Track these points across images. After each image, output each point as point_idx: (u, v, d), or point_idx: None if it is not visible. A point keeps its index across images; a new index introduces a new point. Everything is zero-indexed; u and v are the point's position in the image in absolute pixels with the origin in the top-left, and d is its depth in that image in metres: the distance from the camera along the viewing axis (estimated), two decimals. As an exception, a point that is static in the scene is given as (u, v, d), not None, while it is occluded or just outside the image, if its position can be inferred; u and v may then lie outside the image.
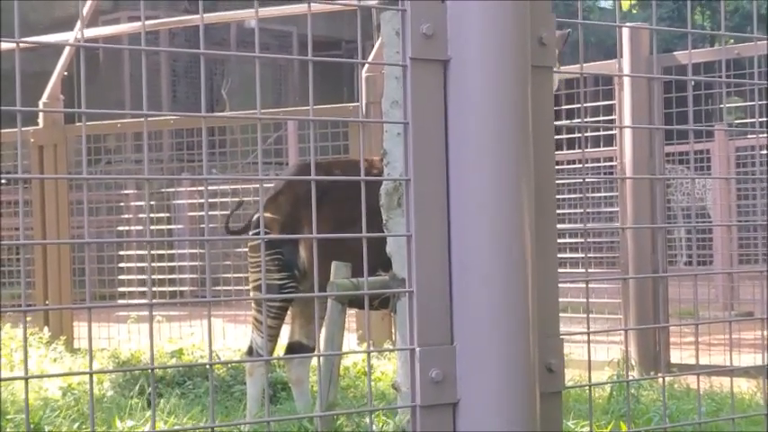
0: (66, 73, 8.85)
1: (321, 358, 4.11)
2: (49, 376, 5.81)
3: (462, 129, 1.93)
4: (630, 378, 2.05)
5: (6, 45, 7.57)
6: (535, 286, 1.95)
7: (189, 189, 11.34)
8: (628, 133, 6.58)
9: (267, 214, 4.67)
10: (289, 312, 4.78)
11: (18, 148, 7.52)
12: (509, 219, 1.91)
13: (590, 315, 7.67)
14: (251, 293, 4.88)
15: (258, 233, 4.65)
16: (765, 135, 8.37)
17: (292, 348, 4.79)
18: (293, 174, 4.77)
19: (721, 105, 7.28)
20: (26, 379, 1.59)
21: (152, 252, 8.95)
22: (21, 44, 1.77)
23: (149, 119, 9.27)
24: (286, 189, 4.55)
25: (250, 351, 4.81)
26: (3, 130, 9.13)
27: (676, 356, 6.96)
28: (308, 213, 4.46)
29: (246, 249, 4.87)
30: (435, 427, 1.92)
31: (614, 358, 6.72)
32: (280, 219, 4.49)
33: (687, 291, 8.63)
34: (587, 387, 2.20)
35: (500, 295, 1.90)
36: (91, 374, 1.68)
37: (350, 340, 7.88)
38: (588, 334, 2.16)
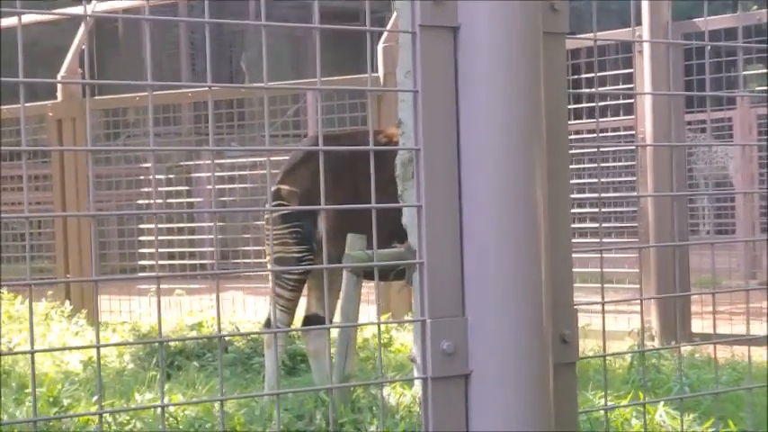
0: (84, 47, 8.83)
1: (338, 330, 4.10)
2: (50, 350, 5.84)
3: (473, 97, 1.89)
4: (646, 348, 2.03)
5: (24, 18, 7.57)
6: (548, 256, 1.93)
7: (208, 162, 11.35)
8: (647, 101, 6.51)
9: (285, 186, 4.64)
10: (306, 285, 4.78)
11: (21, 123, 7.54)
12: (521, 188, 1.88)
13: (611, 286, 7.65)
14: (269, 266, 4.86)
15: (275, 206, 4.64)
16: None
17: (309, 321, 4.77)
18: (309, 146, 4.73)
19: (742, 73, 7.19)
20: (32, 353, 1.58)
21: (171, 226, 8.97)
22: (40, 17, 1.75)
23: (167, 92, 9.26)
24: (304, 161, 4.51)
25: (268, 323, 4.81)
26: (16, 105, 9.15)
27: (698, 326, 6.92)
28: (326, 186, 4.41)
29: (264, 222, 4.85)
30: (447, 398, 1.90)
31: (634, 328, 6.69)
32: (298, 191, 4.46)
33: (709, 260, 8.58)
34: (604, 358, 2.17)
35: (512, 266, 1.88)
36: (98, 348, 1.67)
37: (370, 312, 7.89)
38: (603, 304, 2.13)
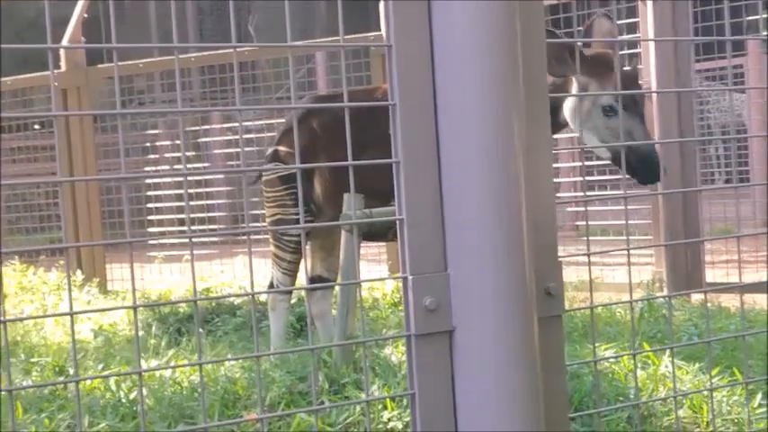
0: (86, 15, 8.80)
1: (339, 290, 4.09)
2: (23, 319, 5.85)
3: (448, 48, 1.86)
4: (635, 299, 2.01)
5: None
6: (530, 208, 1.90)
7: (219, 126, 11.34)
8: (652, 50, 6.44)
9: (282, 148, 4.62)
10: (309, 247, 4.77)
11: None
12: (499, 140, 1.85)
13: (620, 238, 7.61)
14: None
15: (274, 170, 4.62)
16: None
17: (314, 282, 4.77)
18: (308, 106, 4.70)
19: (751, 18, 7.09)
20: (3, 323, 1.57)
21: (183, 191, 8.97)
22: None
23: (174, 57, 9.21)
24: (301, 122, 4.49)
25: (271, 286, 4.81)
26: (28, 75, 9.13)
27: (710, 275, 6.88)
28: (323, 146, 4.40)
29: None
30: (431, 355, 1.88)
31: (643, 279, 6.67)
32: (295, 152, 4.43)
33: (722, 209, 8.52)
34: (591, 309, 2.15)
35: (493, 219, 1.85)
36: (72, 315, 1.65)
37: (381, 271, 7.88)
38: (588, 255, 2.10)
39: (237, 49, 8.31)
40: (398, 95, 1.86)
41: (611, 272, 7.10)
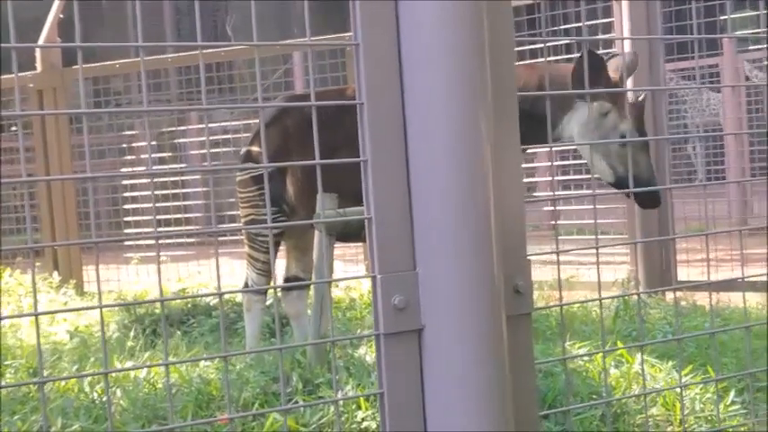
0: (62, 15, 8.76)
1: (313, 290, 4.09)
2: (53, 312, 5.82)
3: (415, 47, 1.86)
4: (605, 296, 2.02)
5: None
6: (499, 207, 1.90)
7: (196, 127, 11.30)
8: (627, 50, 6.45)
9: (255, 148, 4.63)
10: (284, 247, 4.76)
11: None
12: (466, 139, 1.86)
13: (602, 237, 7.63)
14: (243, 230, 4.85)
15: (247, 168, 4.62)
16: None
17: (289, 282, 4.76)
18: (280, 106, 4.70)
19: (725, 17, 7.12)
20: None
21: (160, 192, 8.94)
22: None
23: (152, 57, 9.19)
24: (273, 122, 4.49)
25: (246, 287, 4.80)
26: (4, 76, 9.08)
27: (686, 274, 6.91)
28: (294, 145, 4.41)
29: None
30: (400, 354, 1.88)
31: (618, 278, 6.69)
32: (267, 152, 4.43)
33: (697, 208, 8.55)
34: (561, 307, 2.15)
35: (461, 217, 1.85)
36: (36, 316, 1.65)
37: (358, 271, 7.88)
38: (558, 254, 2.11)
39: (211, 50, 8.30)
40: (366, 94, 1.86)
41: (587, 270, 7.12)
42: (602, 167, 4.29)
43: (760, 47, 8.23)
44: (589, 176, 8.68)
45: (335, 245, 4.29)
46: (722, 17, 7.09)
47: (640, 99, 4.47)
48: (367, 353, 3.87)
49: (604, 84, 4.13)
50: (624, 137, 4.24)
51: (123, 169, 9.47)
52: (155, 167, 9.04)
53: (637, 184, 4.16)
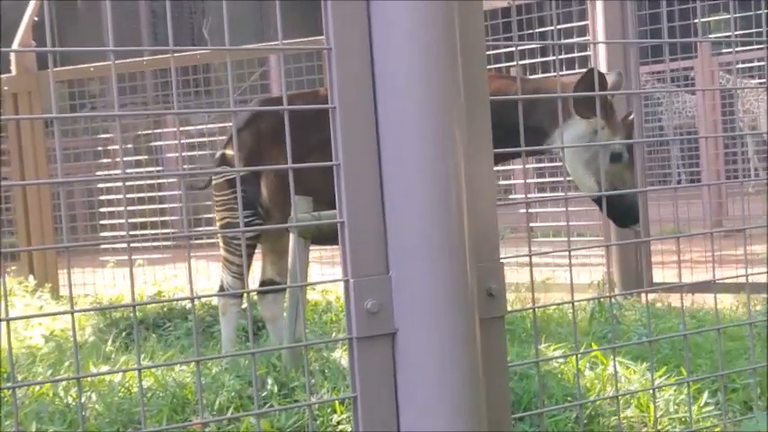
0: (36, 18, 8.72)
1: (288, 294, 4.08)
2: (23, 317, 5.79)
3: (387, 50, 1.87)
4: (578, 299, 2.02)
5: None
6: (471, 211, 1.91)
7: (173, 130, 11.27)
8: (602, 54, 6.49)
9: (230, 151, 4.63)
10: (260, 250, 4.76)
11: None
12: (439, 143, 1.86)
13: (576, 239, 7.67)
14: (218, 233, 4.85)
15: (221, 172, 4.61)
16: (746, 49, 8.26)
17: (265, 286, 4.76)
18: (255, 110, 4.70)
19: (699, 21, 7.16)
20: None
21: (136, 196, 8.92)
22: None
23: (129, 60, 9.16)
24: (247, 125, 4.50)
25: (221, 290, 4.79)
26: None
27: (661, 276, 6.94)
28: (269, 148, 4.41)
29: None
30: (373, 358, 1.89)
31: (594, 280, 6.72)
32: (242, 155, 4.43)
33: (672, 210, 8.58)
34: (534, 310, 2.16)
35: (433, 221, 1.86)
36: (8, 321, 1.64)
37: (335, 274, 7.87)
38: (530, 256, 2.12)
39: (186, 53, 8.28)
40: (338, 98, 1.86)
41: (564, 272, 7.14)
42: (590, 184, 4.38)
43: (734, 50, 8.27)
44: (567, 179, 8.71)
45: (311, 248, 4.29)
46: (696, 20, 7.13)
47: (630, 118, 4.57)
48: (342, 356, 3.87)
49: (602, 103, 4.24)
50: (619, 155, 4.35)
51: (99, 173, 9.42)
52: (130, 171, 9.02)
53: (622, 203, 4.31)
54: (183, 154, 9.81)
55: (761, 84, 9.56)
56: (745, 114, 12.73)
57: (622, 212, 4.41)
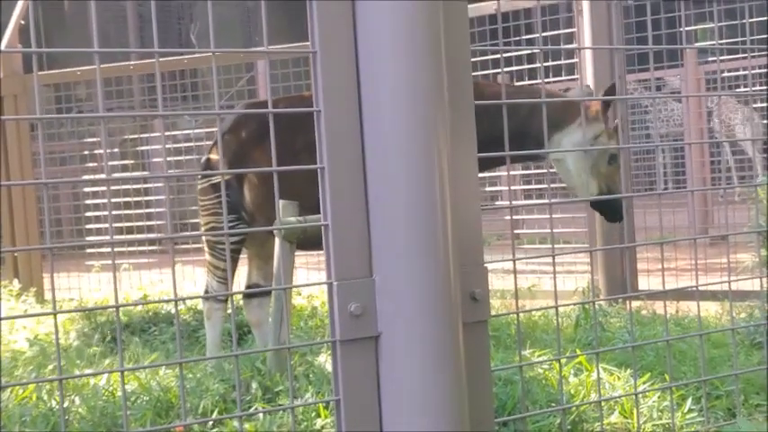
0: (23, 21, 8.70)
1: (272, 298, 4.08)
2: (11, 317, 5.77)
3: (372, 56, 1.87)
4: (561, 304, 2.03)
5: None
6: (456, 215, 1.92)
7: (160, 134, 11.25)
8: (589, 61, 6.51)
9: (214, 156, 4.63)
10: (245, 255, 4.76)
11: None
12: (423, 148, 1.87)
13: (560, 246, 7.69)
14: (203, 238, 4.84)
15: (207, 177, 4.61)
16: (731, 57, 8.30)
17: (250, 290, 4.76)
18: (240, 114, 4.69)
19: (685, 29, 7.19)
20: None
21: (122, 200, 8.90)
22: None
23: (115, 65, 9.15)
24: (231, 130, 4.50)
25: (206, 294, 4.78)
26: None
27: (646, 283, 6.96)
28: (253, 153, 4.41)
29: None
30: (357, 361, 1.89)
31: (579, 287, 6.73)
32: (226, 159, 4.43)
33: (658, 218, 8.61)
34: (517, 315, 2.17)
35: (417, 225, 1.86)
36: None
37: (321, 279, 7.86)
38: (514, 261, 2.12)
39: (173, 57, 8.27)
40: (323, 101, 1.87)
41: (549, 279, 7.16)
42: (593, 186, 4.63)
43: (718, 59, 8.32)
44: (551, 186, 8.74)
45: (297, 253, 4.29)
46: (682, 29, 7.19)
47: (616, 122, 4.84)
48: (327, 361, 3.87)
49: (603, 110, 4.63)
50: (615, 157, 4.66)
51: (84, 176, 9.40)
52: (116, 175, 9.01)
53: (616, 201, 4.59)
54: (170, 158, 9.81)
55: (746, 92, 9.60)
56: (721, 124, 12.89)
57: (617, 209, 4.67)
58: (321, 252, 6.72)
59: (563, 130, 4.57)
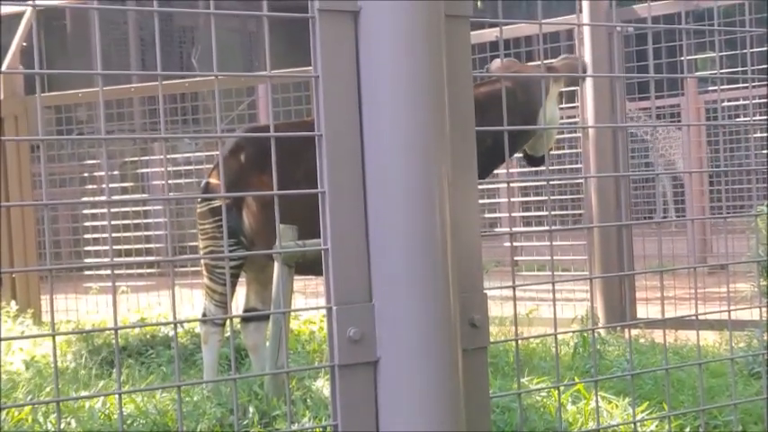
0: (24, 43, 8.72)
1: (270, 322, 4.07)
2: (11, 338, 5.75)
3: (374, 82, 1.87)
4: (561, 331, 2.03)
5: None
6: (456, 241, 1.91)
7: (160, 157, 11.27)
8: (589, 89, 6.53)
9: (213, 180, 4.63)
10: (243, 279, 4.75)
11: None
12: (424, 174, 1.87)
13: (559, 273, 7.68)
14: (202, 262, 4.84)
15: (207, 201, 4.61)
16: (731, 87, 8.32)
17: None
18: (240, 138, 4.69)
19: (686, 58, 7.22)
20: None
21: (122, 222, 8.90)
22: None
23: (116, 87, 9.17)
24: (231, 154, 4.51)
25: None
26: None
27: (645, 312, 6.95)
28: (252, 178, 4.41)
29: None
30: (355, 386, 1.88)
31: (578, 315, 6.72)
32: (225, 183, 4.43)
33: (657, 246, 8.61)
34: (516, 341, 2.16)
35: (417, 250, 1.86)
36: (54, 336, 1.64)
37: (319, 304, 7.86)
38: (514, 288, 2.12)
39: (174, 81, 8.29)
40: (325, 126, 1.87)
41: (548, 307, 7.15)
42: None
43: (719, 87, 8.35)
44: (546, 213, 8.74)
45: (295, 278, 4.28)
46: (683, 58, 7.20)
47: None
48: (324, 386, 3.86)
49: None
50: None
51: (84, 198, 9.41)
52: (116, 197, 9.01)
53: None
54: (170, 181, 9.81)
55: (746, 122, 9.62)
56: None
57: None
58: (319, 277, 6.74)
59: (541, 108, 4.84)
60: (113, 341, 5.87)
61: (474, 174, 2.03)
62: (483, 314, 2.01)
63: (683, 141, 11.38)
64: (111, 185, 9.65)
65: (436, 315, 1.87)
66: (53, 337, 1.64)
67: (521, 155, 5.29)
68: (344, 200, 1.88)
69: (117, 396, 1.64)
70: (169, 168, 10.52)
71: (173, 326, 1.82)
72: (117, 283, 8.34)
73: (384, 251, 1.88)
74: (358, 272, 1.89)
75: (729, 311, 2.53)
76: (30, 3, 1.82)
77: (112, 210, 8.89)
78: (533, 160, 5.23)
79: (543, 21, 2.40)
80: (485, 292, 2.02)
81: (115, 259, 8.49)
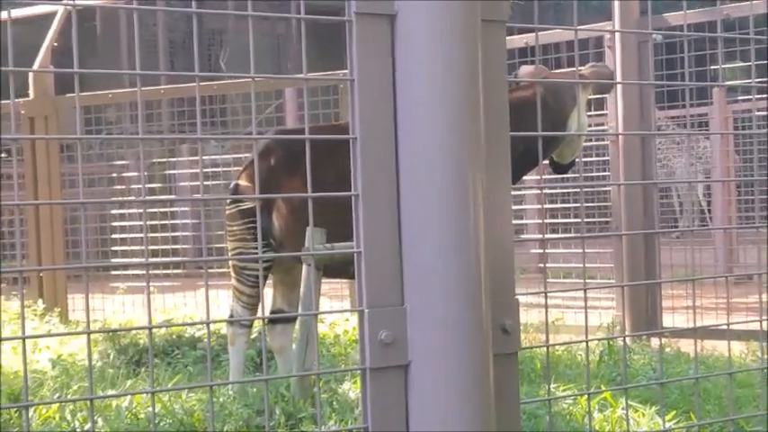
0: (56, 44, 8.78)
1: (298, 324, 4.08)
2: (43, 336, 5.78)
3: (410, 86, 1.88)
4: (591, 338, 2.03)
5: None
6: (489, 246, 1.91)
7: (188, 159, 11.32)
8: (618, 96, 6.51)
9: (243, 182, 4.64)
10: (271, 281, 4.76)
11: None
12: (459, 178, 1.87)
13: (589, 281, 7.65)
14: (230, 263, 4.85)
15: (236, 201, 4.62)
16: (763, 96, 8.26)
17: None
18: (270, 141, 4.70)
19: (715, 67, 7.19)
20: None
21: (149, 223, 8.94)
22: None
23: (144, 89, 9.20)
24: (261, 157, 4.51)
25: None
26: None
27: (671, 321, 6.92)
28: (283, 180, 4.42)
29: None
30: (386, 389, 1.88)
31: (603, 323, 6.70)
32: (255, 186, 4.44)
33: (683, 255, 8.57)
34: (547, 348, 2.16)
35: (451, 254, 1.86)
36: (24, 339, 1.65)
37: (343, 307, 7.85)
38: (546, 294, 2.12)
39: (204, 83, 8.33)
40: (359, 129, 1.87)
41: (573, 314, 7.14)
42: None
43: (749, 97, 8.32)
44: (576, 220, 8.72)
45: (323, 280, 4.29)
46: (713, 66, 7.17)
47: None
48: (350, 389, 3.86)
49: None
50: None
51: (114, 198, 9.46)
52: (149, 197, 9.04)
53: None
54: (196, 183, 9.85)
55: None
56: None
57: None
58: (344, 280, 6.72)
59: (571, 115, 5.01)
60: (140, 341, 5.90)
61: (508, 179, 2.03)
62: (514, 320, 2.01)
63: (712, 150, 11.33)
64: (139, 186, 9.70)
65: (469, 319, 1.87)
66: (88, 334, 1.65)
67: (546, 162, 5.29)
68: (378, 203, 1.88)
69: (149, 395, 1.64)
70: (196, 170, 10.56)
71: (201, 326, 1.83)
72: (142, 283, 8.37)
73: (417, 254, 1.88)
74: (390, 275, 1.89)
75: (762, 321, 2.52)
76: (70, 2, 1.83)
77: (141, 210, 8.92)
78: (559, 167, 5.28)
79: (579, 27, 2.40)
80: (516, 297, 2.02)
81: (151, 259, 8.52)
